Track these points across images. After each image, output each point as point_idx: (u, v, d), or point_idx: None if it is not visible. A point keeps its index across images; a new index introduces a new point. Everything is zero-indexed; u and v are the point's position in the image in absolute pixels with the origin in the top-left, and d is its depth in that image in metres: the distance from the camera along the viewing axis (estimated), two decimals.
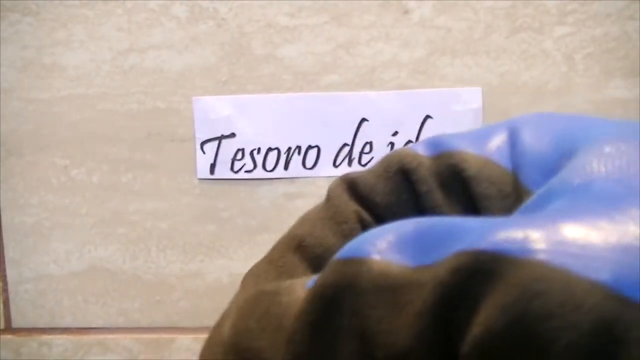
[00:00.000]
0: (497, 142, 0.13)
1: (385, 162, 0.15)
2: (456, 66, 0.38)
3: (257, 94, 0.40)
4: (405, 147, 0.15)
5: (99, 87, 0.40)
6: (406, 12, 0.38)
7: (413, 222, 0.11)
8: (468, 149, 0.13)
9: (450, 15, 0.38)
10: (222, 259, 0.41)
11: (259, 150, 0.40)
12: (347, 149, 0.40)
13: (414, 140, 0.39)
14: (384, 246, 0.11)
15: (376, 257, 0.11)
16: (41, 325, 0.42)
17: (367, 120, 0.39)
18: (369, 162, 0.39)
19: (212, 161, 0.40)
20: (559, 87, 0.38)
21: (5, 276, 0.42)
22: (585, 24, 0.38)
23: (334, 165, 0.40)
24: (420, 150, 0.14)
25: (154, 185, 0.41)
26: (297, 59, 0.39)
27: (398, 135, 0.39)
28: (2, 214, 0.41)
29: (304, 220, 0.15)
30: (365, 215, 0.15)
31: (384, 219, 0.12)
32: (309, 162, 0.40)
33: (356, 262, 0.11)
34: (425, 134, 0.39)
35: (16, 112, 0.40)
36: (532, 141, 0.13)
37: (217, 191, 0.41)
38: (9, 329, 0.43)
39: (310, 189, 0.40)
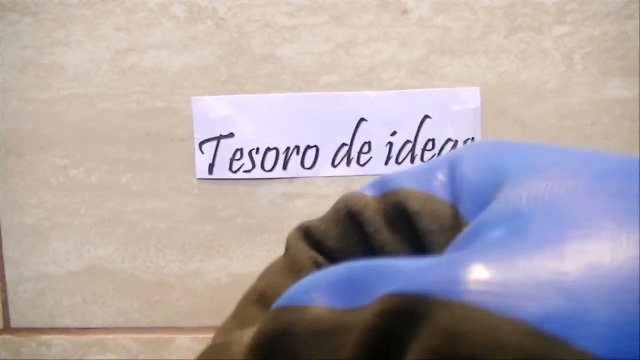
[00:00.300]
0: (439, 177, 0.13)
1: (336, 206, 0.15)
2: (455, 66, 0.38)
3: (256, 94, 0.40)
4: (354, 191, 0.15)
5: (98, 87, 0.40)
6: (405, 12, 0.38)
7: (346, 266, 0.11)
8: (412, 186, 0.14)
9: (449, 15, 0.38)
10: (221, 259, 0.41)
11: (257, 150, 0.40)
12: (345, 149, 0.40)
13: (412, 140, 0.39)
14: (317, 292, 0.11)
15: (309, 303, 0.11)
16: (40, 326, 0.42)
17: (366, 120, 0.39)
18: (367, 162, 0.39)
19: (210, 161, 0.40)
20: (557, 87, 0.38)
21: (4, 276, 0.42)
22: (584, 24, 0.38)
23: (333, 165, 0.40)
24: (368, 192, 0.15)
25: (153, 185, 0.41)
26: (296, 59, 0.39)
27: (397, 135, 0.39)
28: (1, 214, 0.41)
29: (266, 273, 0.16)
30: (321, 260, 0.15)
31: (338, 263, 0.12)
32: (308, 162, 0.40)
33: (291, 310, 0.11)
34: (424, 134, 0.39)
35: (15, 112, 0.40)
36: (471, 173, 0.13)
37: (216, 191, 0.41)
38: (8, 329, 0.43)
39: (309, 189, 0.40)
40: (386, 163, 0.39)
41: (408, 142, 0.39)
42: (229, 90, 0.40)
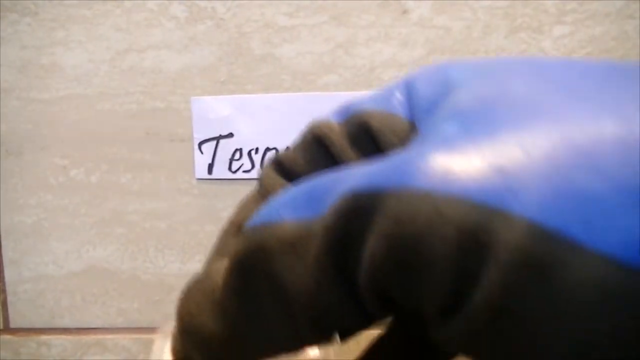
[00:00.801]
0: (396, 96, 0.14)
1: (302, 134, 0.16)
2: None
3: (255, 94, 0.40)
4: (318, 118, 0.16)
5: (98, 87, 0.40)
6: (405, 12, 0.38)
7: (307, 180, 0.13)
8: (372, 108, 0.15)
9: (449, 15, 0.38)
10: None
11: (257, 150, 0.40)
12: None
13: None
14: (283, 209, 0.12)
15: (278, 219, 0.12)
16: (40, 326, 0.42)
17: None
18: None
19: (210, 161, 0.40)
20: None
21: (3, 276, 0.42)
22: (584, 24, 0.37)
23: None
24: (332, 118, 0.15)
25: (152, 185, 0.41)
26: (295, 59, 0.39)
27: None
28: (1, 214, 0.41)
29: (241, 205, 0.17)
30: None
31: None
32: None
33: (262, 228, 0.12)
34: None
35: (15, 112, 0.40)
36: (424, 89, 0.14)
37: (216, 191, 0.41)
38: (7, 329, 0.43)
39: None
40: None
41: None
42: (228, 90, 0.40)
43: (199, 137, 0.40)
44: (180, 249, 0.41)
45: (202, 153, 0.40)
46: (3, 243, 0.42)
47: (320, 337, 0.13)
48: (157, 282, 0.42)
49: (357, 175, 0.11)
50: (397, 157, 0.11)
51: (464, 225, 0.10)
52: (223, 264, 0.14)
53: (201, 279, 0.15)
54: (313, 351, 0.20)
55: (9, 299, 0.42)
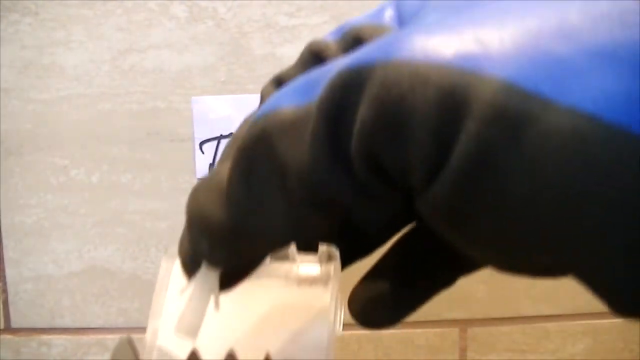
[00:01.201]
0: (387, 13, 0.16)
1: (300, 54, 0.17)
2: None
3: (256, 94, 0.39)
4: (315, 38, 0.17)
5: (99, 87, 0.40)
6: None
7: (304, 73, 0.14)
8: (366, 23, 0.16)
9: None
10: None
11: None
12: None
13: None
14: (283, 98, 0.14)
15: (278, 107, 0.14)
16: (40, 325, 0.42)
17: None
18: None
19: (211, 161, 0.40)
20: None
21: (4, 276, 0.42)
22: None
23: None
24: (328, 37, 0.17)
25: (153, 185, 0.41)
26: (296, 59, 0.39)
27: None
28: (1, 214, 0.41)
29: (243, 122, 0.18)
30: None
31: None
32: None
33: (265, 116, 0.14)
34: None
35: (15, 112, 0.40)
36: (412, 5, 0.15)
37: None
38: (8, 328, 0.43)
39: None
40: None
41: None
42: (229, 90, 0.40)
43: (199, 137, 0.40)
44: None
45: (203, 153, 0.40)
46: (4, 243, 0.42)
47: (318, 216, 0.14)
48: None
49: (346, 59, 0.12)
50: (383, 39, 0.12)
51: (443, 85, 0.11)
52: (228, 165, 0.15)
53: (208, 178, 0.16)
54: (313, 269, 0.21)
55: (10, 298, 0.42)
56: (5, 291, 0.42)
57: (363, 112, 0.12)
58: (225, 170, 0.15)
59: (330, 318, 0.20)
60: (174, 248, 0.21)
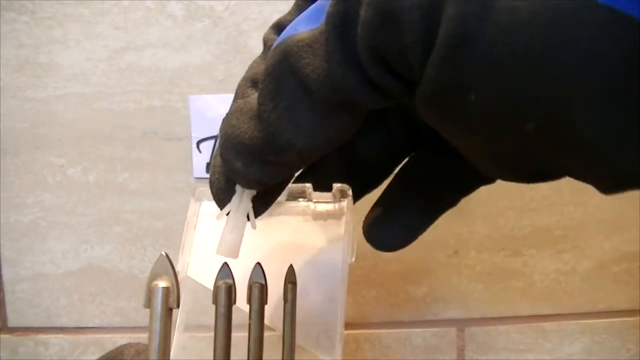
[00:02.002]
0: None
1: (295, 0, 0.20)
2: None
3: None
4: None
5: (95, 86, 0.40)
6: None
7: (315, 3, 0.16)
8: None
9: None
10: None
11: None
12: None
13: None
14: (298, 25, 0.16)
15: (295, 32, 0.16)
16: (37, 325, 0.42)
17: None
18: None
19: (208, 160, 0.40)
20: None
21: (1, 275, 0.42)
22: None
23: None
24: None
25: (150, 184, 0.41)
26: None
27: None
28: None
29: (251, 66, 0.20)
30: None
31: None
32: None
33: (283, 41, 0.16)
34: None
35: (12, 111, 0.40)
36: None
37: None
38: (5, 328, 0.42)
39: None
40: None
41: None
42: (226, 89, 0.40)
43: (197, 135, 0.40)
44: (178, 248, 0.41)
45: (200, 152, 0.40)
46: (1, 242, 0.42)
47: (340, 117, 0.16)
48: None
49: None
50: None
51: None
52: (254, 93, 0.17)
53: (239, 104, 0.18)
54: (327, 205, 0.23)
55: (7, 298, 0.42)
56: (2, 290, 0.42)
57: (363, 15, 0.14)
58: (251, 97, 0.17)
59: (344, 247, 0.23)
60: (201, 189, 0.24)
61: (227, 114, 0.18)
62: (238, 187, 0.19)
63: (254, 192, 0.19)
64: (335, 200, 0.23)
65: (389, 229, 0.21)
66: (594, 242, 0.42)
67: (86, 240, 0.41)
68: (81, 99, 0.40)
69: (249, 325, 0.21)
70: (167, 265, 0.19)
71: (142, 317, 0.42)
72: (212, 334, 0.21)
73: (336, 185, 0.22)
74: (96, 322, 0.42)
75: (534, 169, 0.16)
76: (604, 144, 0.13)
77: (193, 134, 0.40)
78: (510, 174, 0.17)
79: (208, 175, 0.40)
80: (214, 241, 0.20)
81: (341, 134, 0.17)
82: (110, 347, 0.42)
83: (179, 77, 0.40)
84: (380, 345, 0.43)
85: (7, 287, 0.42)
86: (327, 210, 0.24)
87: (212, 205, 0.21)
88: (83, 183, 0.41)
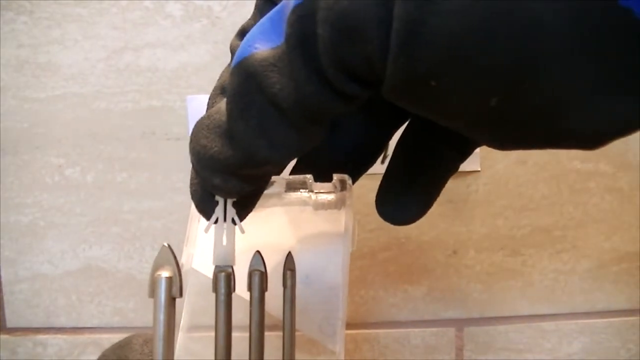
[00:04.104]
0: None
1: (255, 4, 0.20)
2: None
3: None
4: None
5: (94, 86, 0.40)
6: None
7: (266, 16, 0.17)
8: None
9: None
10: None
11: None
12: None
13: None
14: (256, 42, 0.16)
15: (253, 50, 0.16)
16: (36, 325, 0.42)
17: None
18: None
19: None
20: None
21: (0, 276, 0.42)
22: None
23: None
24: None
25: (148, 184, 0.41)
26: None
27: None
28: None
29: (220, 75, 0.21)
30: None
31: None
32: None
33: (244, 61, 0.16)
34: None
35: (11, 111, 0.40)
36: None
37: None
38: (3, 328, 0.42)
39: None
40: (382, 161, 0.39)
41: None
42: None
43: None
44: (177, 248, 0.41)
45: None
46: (0, 242, 0.42)
47: (313, 125, 0.16)
48: None
49: None
50: None
51: None
52: (221, 105, 0.17)
53: (204, 121, 0.18)
54: (328, 196, 0.24)
55: (5, 298, 0.42)
56: (0, 291, 0.42)
57: (322, 33, 0.14)
58: (220, 112, 0.17)
59: (346, 235, 0.23)
60: None
61: (193, 132, 0.18)
62: (219, 199, 0.20)
63: (235, 199, 0.20)
64: (336, 190, 0.23)
65: (400, 202, 0.22)
66: (593, 242, 0.42)
67: (85, 240, 0.41)
68: (80, 99, 0.40)
69: (250, 312, 0.21)
70: (170, 256, 0.20)
71: (140, 317, 0.42)
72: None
73: (336, 176, 0.23)
74: (94, 322, 0.42)
75: (515, 136, 0.17)
76: (565, 99, 0.14)
77: None
78: (495, 142, 0.18)
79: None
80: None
81: (314, 142, 0.17)
82: (108, 347, 0.42)
83: (178, 77, 0.40)
84: (379, 345, 0.43)
85: (5, 288, 0.42)
86: (328, 201, 0.24)
87: None
88: (81, 183, 0.41)
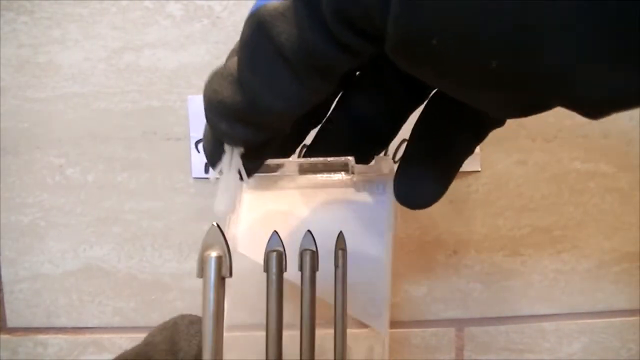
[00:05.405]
0: None
1: None
2: None
3: None
4: None
5: (94, 86, 0.40)
6: None
7: None
8: None
9: None
10: None
11: None
12: None
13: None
14: None
15: (266, 2, 0.17)
16: (36, 325, 0.42)
17: None
18: None
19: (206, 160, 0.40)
20: None
21: (0, 275, 0.42)
22: None
23: None
24: None
25: (149, 184, 0.41)
26: None
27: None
28: None
29: (228, 55, 0.21)
30: None
31: None
32: None
33: (256, 12, 0.17)
34: None
35: (12, 111, 0.40)
36: None
37: (213, 190, 0.40)
38: (4, 328, 0.42)
39: None
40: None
41: (404, 140, 0.39)
42: None
43: (195, 135, 0.40)
44: (177, 248, 0.41)
45: (198, 152, 0.40)
46: (1, 242, 0.42)
47: (316, 80, 0.17)
48: (154, 281, 0.42)
49: None
50: None
51: None
52: (234, 59, 0.18)
53: (219, 70, 0.19)
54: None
55: (6, 298, 0.42)
56: (1, 290, 0.42)
57: None
58: (233, 63, 0.18)
59: (387, 216, 0.23)
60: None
61: (208, 79, 0.20)
62: (227, 147, 0.20)
63: (242, 150, 0.20)
64: (377, 172, 0.24)
65: (416, 186, 0.22)
66: (593, 242, 0.42)
67: (85, 240, 0.41)
68: (80, 99, 0.40)
69: (301, 292, 0.21)
70: (219, 235, 0.20)
71: (141, 317, 0.42)
72: (254, 333, 0.22)
73: (376, 157, 0.23)
74: (95, 322, 0.42)
75: (521, 103, 0.17)
76: (567, 68, 0.14)
77: (192, 134, 0.40)
78: (500, 111, 0.18)
79: (207, 176, 0.40)
80: (260, 216, 0.22)
81: (317, 96, 0.18)
82: (109, 347, 0.42)
83: (178, 77, 0.40)
84: None
85: (6, 288, 0.42)
86: (370, 182, 0.24)
87: (256, 179, 0.22)
88: (82, 183, 0.41)
